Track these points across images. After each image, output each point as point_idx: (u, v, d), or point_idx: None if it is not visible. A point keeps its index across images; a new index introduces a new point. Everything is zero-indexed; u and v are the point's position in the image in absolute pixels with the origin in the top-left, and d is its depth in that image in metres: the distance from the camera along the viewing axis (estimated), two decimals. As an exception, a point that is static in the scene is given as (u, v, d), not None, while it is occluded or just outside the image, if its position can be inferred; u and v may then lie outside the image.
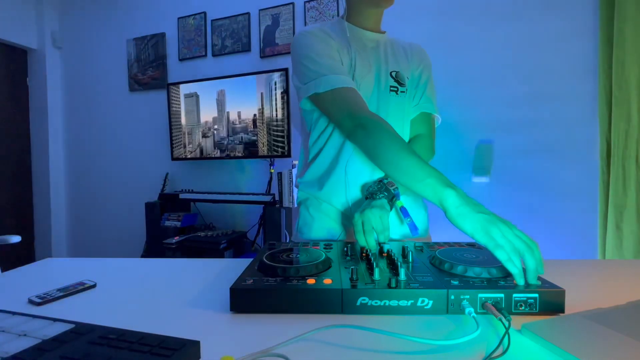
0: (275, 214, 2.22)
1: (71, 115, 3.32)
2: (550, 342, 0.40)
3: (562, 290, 0.49)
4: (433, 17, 2.15)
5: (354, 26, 0.92)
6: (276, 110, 2.38)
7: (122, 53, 3.08)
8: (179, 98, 2.71)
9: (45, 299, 0.56)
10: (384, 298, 0.49)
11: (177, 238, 2.47)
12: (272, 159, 2.47)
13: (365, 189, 0.84)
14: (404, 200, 0.83)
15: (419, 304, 0.49)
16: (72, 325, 0.41)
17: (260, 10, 2.57)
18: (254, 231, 2.58)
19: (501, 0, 2.01)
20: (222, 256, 2.35)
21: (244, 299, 0.50)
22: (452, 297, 0.49)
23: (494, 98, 2.04)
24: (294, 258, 0.60)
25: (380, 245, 0.70)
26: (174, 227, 2.55)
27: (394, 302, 0.49)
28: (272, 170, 2.47)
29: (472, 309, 0.46)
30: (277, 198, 2.30)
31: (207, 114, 2.64)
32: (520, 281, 0.51)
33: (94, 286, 0.63)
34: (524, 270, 0.52)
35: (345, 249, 0.67)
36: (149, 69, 2.97)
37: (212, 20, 2.73)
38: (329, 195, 0.90)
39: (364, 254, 0.64)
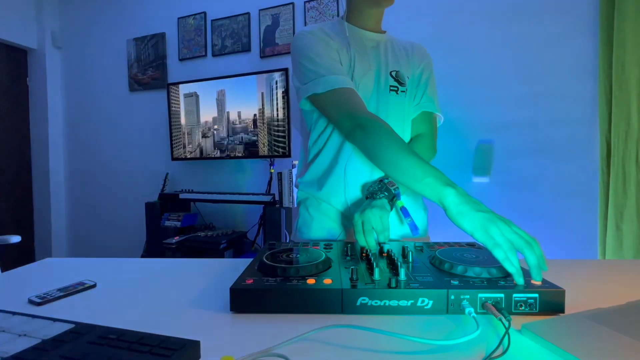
0: (275, 214, 2.22)
1: (71, 115, 3.32)
2: (550, 342, 0.40)
3: (562, 290, 0.49)
4: (433, 17, 2.15)
5: (354, 26, 0.92)
6: (277, 110, 2.38)
7: (122, 53, 3.08)
8: (179, 98, 2.71)
9: (45, 299, 0.56)
10: (384, 298, 0.49)
11: (177, 238, 2.47)
12: (272, 159, 2.47)
13: (366, 188, 0.84)
14: (404, 200, 0.83)
15: (419, 304, 0.49)
16: (72, 325, 0.41)
17: (260, 10, 2.57)
18: (254, 231, 2.58)
19: (501, 1, 2.01)
20: (222, 256, 2.35)
21: (244, 299, 0.50)
22: (452, 297, 0.49)
23: (494, 98, 2.04)
24: (294, 258, 0.60)
25: (380, 245, 0.70)
26: (174, 227, 2.55)
27: (394, 302, 0.49)
28: (272, 170, 2.47)
29: (472, 309, 0.46)
30: (277, 198, 2.30)
31: (207, 114, 2.64)
32: (519, 280, 0.51)
33: (94, 286, 0.63)
34: (523, 270, 0.52)
35: (345, 249, 0.67)
36: (149, 69, 2.97)
37: (212, 20, 2.73)
38: (328, 195, 0.90)
39: (364, 254, 0.64)
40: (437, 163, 0.81)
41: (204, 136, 2.66)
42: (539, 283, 0.51)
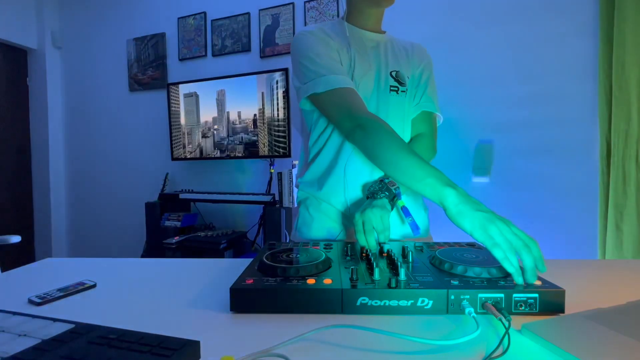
0: (275, 214, 2.22)
1: (71, 115, 3.32)
2: (550, 342, 0.40)
3: (562, 290, 0.49)
4: (433, 17, 2.15)
5: (354, 26, 0.92)
6: (277, 110, 2.38)
7: (122, 53, 3.08)
8: (179, 98, 2.71)
9: (45, 299, 0.56)
10: (384, 298, 0.49)
11: (177, 238, 2.47)
12: (272, 159, 2.47)
13: (367, 188, 0.84)
14: (405, 200, 0.83)
15: (419, 304, 0.49)
16: (72, 325, 0.41)
17: (260, 10, 2.57)
18: (254, 231, 2.58)
19: (501, 1, 2.01)
20: (222, 256, 2.35)
21: (244, 299, 0.50)
22: (452, 297, 0.48)
23: (494, 98, 2.04)
24: (294, 258, 0.60)
25: (380, 245, 0.70)
26: (174, 227, 2.55)
27: (394, 302, 0.49)
28: (272, 170, 2.47)
29: (472, 309, 0.46)
30: (277, 198, 2.30)
31: (207, 114, 2.64)
32: (518, 280, 0.51)
33: (94, 286, 0.63)
34: (523, 270, 0.52)
35: (345, 249, 0.67)
36: (149, 69, 2.97)
37: (212, 20, 2.73)
38: (328, 195, 0.90)
39: (364, 254, 0.64)
40: (437, 163, 0.81)
41: (204, 136, 2.66)
42: (539, 283, 0.51)
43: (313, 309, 0.49)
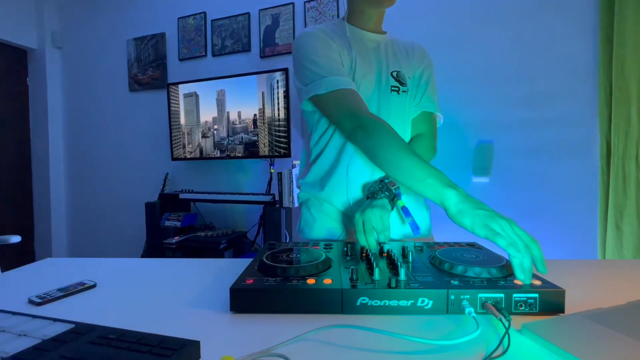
0: (275, 214, 2.22)
1: (71, 115, 3.32)
2: (550, 342, 0.40)
3: (562, 290, 0.49)
4: (433, 18, 2.15)
5: (355, 27, 0.92)
6: (278, 110, 2.38)
7: (122, 53, 3.08)
8: (179, 98, 2.71)
9: (45, 299, 0.56)
10: (384, 298, 0.49)
11: (177, 238, 2.47)
12: (272, 159, 2.47)
13: (367, 188, 0.85)
14: (405, 200, 0.83)
15: (419, 304, 0.49)
16: (72, 325, 0.41)
17: (260, 10, 2.57)
18: (254, 231, 2.58)
19: (501, 1, 2.01)
20: (222, 256, 2.35)
21: (244, 299, 0.50)
22: (452, 297, 0.49)
23: (494, 98, 2.04)
24: (294, 258, 0.60)
25: (380, 245, 0.70)
26: (174, 227, 2.55)
27: (394, 302, 0.49)
28: (272, 170, 2.47)
29: (472, 309, 0.46)
30: (277, 198, 2.30)
31: (207, 114, 2.64)
32: (519, 275, 0.51)
33: (94, 286, 0.63)
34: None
35: (345, 249, 0.67)
36: (149, 69, 2.97)
37: (212, 20, 2.73)
38: (330, 195, 0.90)
39: (364, 254, 0.65)
40: (437, 163, 0.81)
41: (204, 136, 2.66)
42: (539, 283, 0.51)
43: (313, 309, 0.49)
